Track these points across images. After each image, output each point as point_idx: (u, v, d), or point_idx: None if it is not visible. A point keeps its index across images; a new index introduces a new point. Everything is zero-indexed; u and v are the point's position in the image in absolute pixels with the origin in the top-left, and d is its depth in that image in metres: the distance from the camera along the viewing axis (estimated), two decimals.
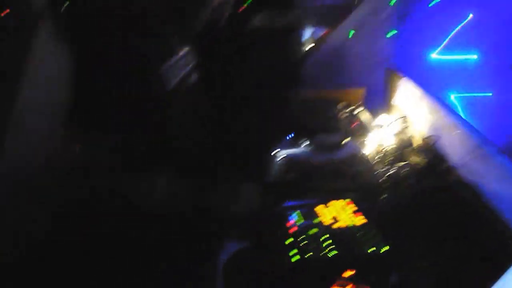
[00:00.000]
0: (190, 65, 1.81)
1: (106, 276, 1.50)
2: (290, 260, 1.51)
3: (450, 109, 2.11)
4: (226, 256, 1.61)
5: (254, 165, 2.00)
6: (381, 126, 2.54)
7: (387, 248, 1.53)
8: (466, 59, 3.31)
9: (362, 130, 2.47)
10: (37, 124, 1.51)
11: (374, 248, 1.54)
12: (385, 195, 1.87)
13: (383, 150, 2.27)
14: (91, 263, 1.51)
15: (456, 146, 1.91)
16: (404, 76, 2.67)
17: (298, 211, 1.79)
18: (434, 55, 3.34)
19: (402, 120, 2.35)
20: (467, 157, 1.80)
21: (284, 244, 1.58)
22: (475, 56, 3.29)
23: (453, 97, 3.28)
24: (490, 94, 3.28)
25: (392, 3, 3.47)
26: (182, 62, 1.76)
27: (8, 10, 1.45)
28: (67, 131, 1.66)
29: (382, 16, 3.53)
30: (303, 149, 2.18)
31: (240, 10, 2.22)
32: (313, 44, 3.75)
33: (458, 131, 1.91)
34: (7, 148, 1.36)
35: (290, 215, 1.76)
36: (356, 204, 1.81)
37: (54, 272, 1.48)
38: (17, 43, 1.45)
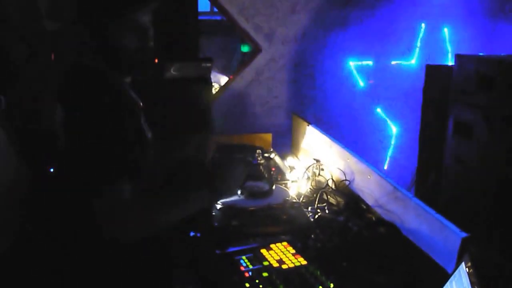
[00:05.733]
0: None
1: None
2: None
3: (359, 157, 2.43)
4: None
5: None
6: (294, 169, 2.82)
7: (332, 285, 1.77)
8: None
9: (281, 175, 2.73)
10: None
11: (321, 287, 1.77)
12: (316, 235, 2.12)
13: (304, 193, 2.54)
14: None
15: (372, 189, 2.23)
16: (310, 123, 2.98)
17: (244, 256, 1.97)
18: None
19: (316, 164, 2.64)
20: (384, 199, 2.12)
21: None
22: None
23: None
24: None
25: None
26: None
27: None
28: None
29: (280, 62, 3.88)
30: (236, 196, 2.38)
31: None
32: (217, 90, 3.98)
33: (372, 176, 2.24)
34: None
35: (239, 260, 1.94)
36: (293, 246, 2.04)
37: None
38: None
